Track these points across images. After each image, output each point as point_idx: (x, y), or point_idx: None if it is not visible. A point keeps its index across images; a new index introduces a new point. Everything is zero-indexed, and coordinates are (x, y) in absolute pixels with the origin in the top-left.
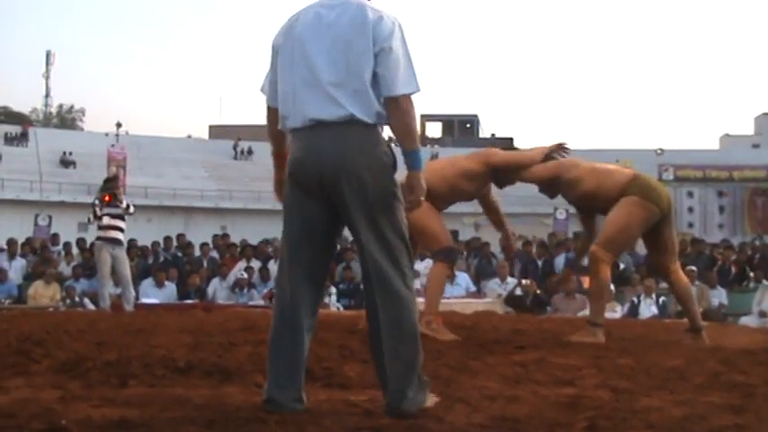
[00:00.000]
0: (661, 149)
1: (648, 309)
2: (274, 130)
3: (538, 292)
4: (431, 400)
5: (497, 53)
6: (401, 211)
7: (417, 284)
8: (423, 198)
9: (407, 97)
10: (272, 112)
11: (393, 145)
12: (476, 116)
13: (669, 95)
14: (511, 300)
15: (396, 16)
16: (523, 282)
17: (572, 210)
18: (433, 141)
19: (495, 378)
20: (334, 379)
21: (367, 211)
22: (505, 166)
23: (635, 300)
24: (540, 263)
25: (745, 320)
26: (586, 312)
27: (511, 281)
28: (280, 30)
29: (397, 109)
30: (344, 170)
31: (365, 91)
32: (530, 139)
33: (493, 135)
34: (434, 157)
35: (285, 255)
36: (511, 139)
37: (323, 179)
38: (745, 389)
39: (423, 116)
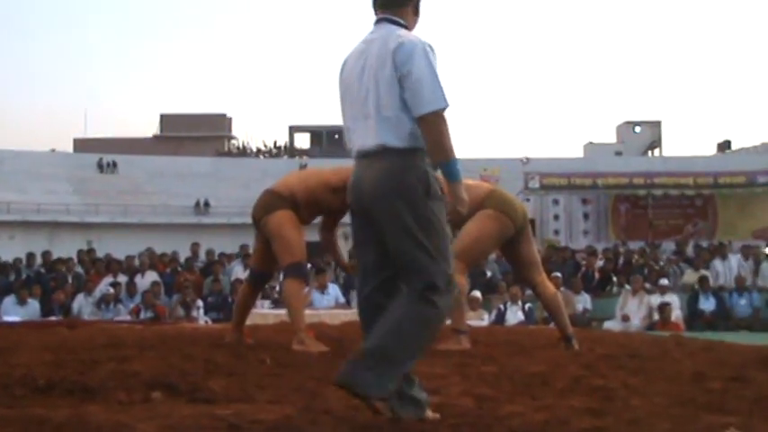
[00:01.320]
0: (527, 158)
1: (515, 315)
2: None
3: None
4: (431, 414)
5: None
6: (438, 232)
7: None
8: (464, 209)
9: (435, 114)
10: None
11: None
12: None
13: (534, 105)
14: None
15: (422, 39)
16: None
17: None
18: (302, 152)
19: None
20: (199, 393)
21: (398, 233)
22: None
23: (501, 307)
24: None
25: (608, 325)
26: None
27: None
28: (340, 69)
29: (426, 126)
30: (377, 196)
31: (395, 117)
32: None
33: None
34: (303, 167)
35: (360, 270)
36: None
37: (363, 205)
38: (604, 392)
39: (291, 127)
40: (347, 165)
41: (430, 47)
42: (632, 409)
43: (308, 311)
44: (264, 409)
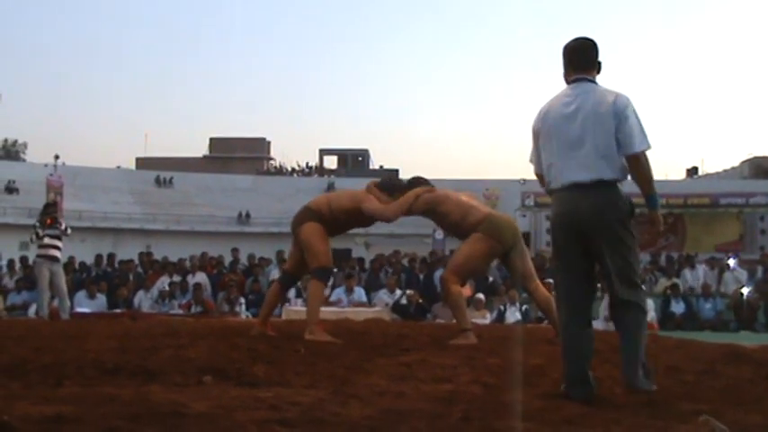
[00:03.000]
0: (524, 179)
1: (513, 315)
2: (543, 186)
3: (420, 301)
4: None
5: (383, 94)
6: (635, 246)
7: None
8: (661, 230)
9: (643, 153)
10: (540, 177)
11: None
12: (367, 150)
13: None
14: (397, 308)
15: (626, 94)
16: (408, 292)
17: None
18: (330, 172)
19: (384, 376)
20: (244, 378)
21: (614, 250)
22: (369, 214)
23: (502, 308)
24: (421, 276)
25: (594, 324)
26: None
27: (398, 292)
28: (536, 118)
29: (637, 163)
30: (599, 221)
31: (611, 156)
32: (414, 169)
33: (381, 167)
34: (331, 186)
35: (564, 283)
36: (397, 171)
37: (580, 228)
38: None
39: (321, 150)
40: (361, 190)
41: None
42: (617, 397)
43: (335, 309)
44: (301, 392)
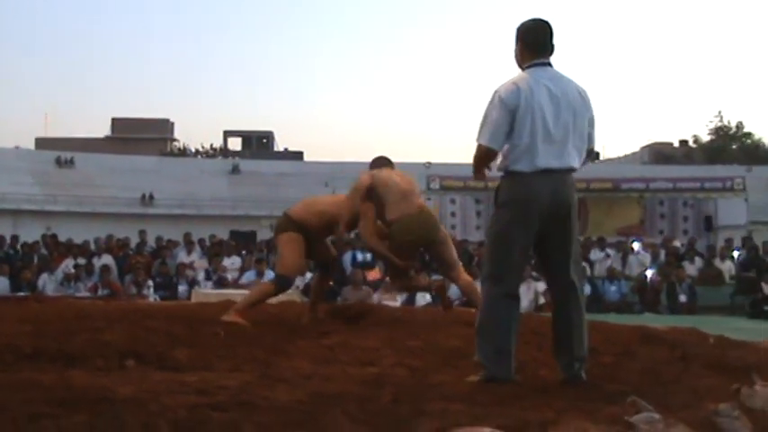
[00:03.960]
0: (429, 163)
1: (423, 298)
2: (485, 165)
3: (331, 283)
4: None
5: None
6: None
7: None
8: None
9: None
10: (495, 154)
11: None
12: (271, 132)
13: (435, 114)
14: (307, 290)
15: None
16: None
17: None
18: (234, 153)
19: (307, 359)
20: (166, 362)
21: (569, 236)
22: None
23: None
24: None
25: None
26: (372, 301)
27: (308, 275)
28: (514, 94)
29: (591, 155)
30: (567, 206)
31: (583, 147)
32: (318, 152)
33: (286, 149)
34: (235, 168)
35: (508, 260)
36: (301, 153)
37: (547, 211)
38: (516, 365)
39: (225, 132)
40: (340, 197)
41: None
42: (541, 379)
43: (246, 291)
44: (225, 376)
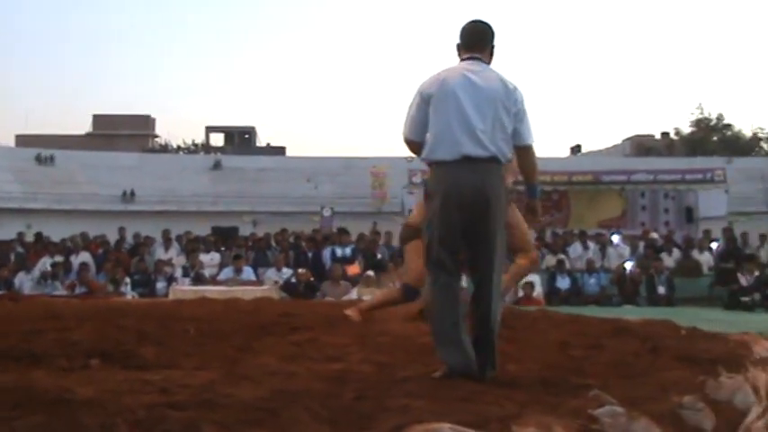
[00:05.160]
0: (411, 157)
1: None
2: (418, 156)
3: (311, 279)
4: None
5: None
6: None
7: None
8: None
9: (532, 146)
10: (418, 145)
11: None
12: (253, 128)
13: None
14: (286, 286)
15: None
16: (300, 271)
17: (337, 209)
18: (216, 149)
19: (274, 356)
20: (132, 360)
21: (490, 227)
22: None
23: (391, 284)
24: (310, 255)
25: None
26: (351, 296)
27: (286, 270)
28: (430, 82)
29: (527, 153)
30: (491, 197)
31: (507, 139)
32: (300, 147)
33: (268, 144)
34: (217, 164)
35: (440, 248)
36: (284, 148)
37: (464, 199)
38: None
39: (207, 128)
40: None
41: None
42: (509, 373)
43: (223, 288)
44: (191, 374)
